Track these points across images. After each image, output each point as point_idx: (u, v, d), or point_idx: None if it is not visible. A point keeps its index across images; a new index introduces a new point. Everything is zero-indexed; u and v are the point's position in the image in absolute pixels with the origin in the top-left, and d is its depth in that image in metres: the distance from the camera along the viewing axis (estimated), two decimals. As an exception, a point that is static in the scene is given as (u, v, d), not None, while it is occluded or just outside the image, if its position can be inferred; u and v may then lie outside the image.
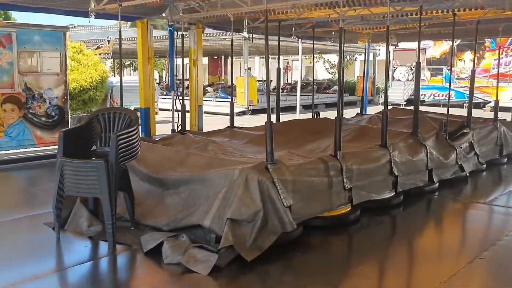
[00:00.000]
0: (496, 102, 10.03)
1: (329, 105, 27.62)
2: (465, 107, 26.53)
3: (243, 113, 22.16)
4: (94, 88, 15.81)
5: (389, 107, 12.51)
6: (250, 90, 22.38)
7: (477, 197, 7.28)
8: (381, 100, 30.06)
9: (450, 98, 32.44)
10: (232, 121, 8.82)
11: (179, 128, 12.75)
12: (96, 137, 5.61)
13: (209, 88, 24.74)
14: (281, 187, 4.99)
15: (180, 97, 13.36)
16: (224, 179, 5.08)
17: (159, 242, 4.81)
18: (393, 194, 6.66)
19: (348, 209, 6.00)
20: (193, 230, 5.08)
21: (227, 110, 22.83)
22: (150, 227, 5.34)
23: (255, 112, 23.53)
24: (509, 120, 10.37)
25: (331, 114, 10.75)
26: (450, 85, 11.22)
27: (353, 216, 5.99)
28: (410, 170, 6.84)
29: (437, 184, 7.45)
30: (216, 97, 24.17)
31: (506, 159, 9.72)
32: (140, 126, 5.34)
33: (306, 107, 26.10)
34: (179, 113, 12.12)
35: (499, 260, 4.95)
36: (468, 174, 8.11)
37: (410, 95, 29.90)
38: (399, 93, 28.98)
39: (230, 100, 9.59)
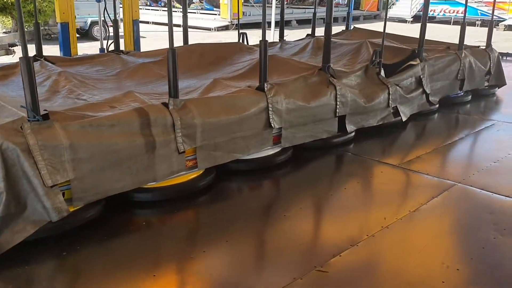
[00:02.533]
0: (463, 25, 7.74)
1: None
2: (478, 25, 23.79)
3: (225, 27, 20.01)
4: (40, -3, 13.91)
5: (352, 27, 10.47)
6: (235, 1, 20.06)
7: (396, 153, 5.49)
8: (388, 15, 27.20)
9: (462, 15, 29.33)
10: (117, 43, 6.87)
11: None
12: None
13: (194, -1, 22.35)
14: (47, 156, 3.34)
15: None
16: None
17: None
18: (276, 150, 4.96)
19: (197, 174, 4.37)
20: None
21: (212, 24, 20.63)
22: None
23: (241, 26, 21.28)
24: (482, 47, 8.22)
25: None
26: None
27: (204, 182, 4.36)
28: (303, 119, 5.05)
29: (353, 134, 5.68)
30: (202, 8, 21.90)
31: (470, 96, 7.76)
32: None
33: (302, 22, 23.53)
34: (111, 28, 10.31)
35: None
36: (404, 119, 6.26)
37: (419, 11, 26.99)
38: (405, 8, 26.06)
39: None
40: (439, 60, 7.05)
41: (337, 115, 5.37)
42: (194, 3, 22.07)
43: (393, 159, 5.17)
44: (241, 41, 7.67)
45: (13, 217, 3.24)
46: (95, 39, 14.74)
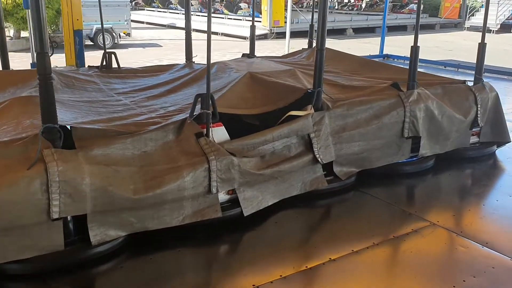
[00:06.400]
0: (413, 49, 4.48)
1: (397, 28, 20.96)
2: None
3: (264, 36, 17.50)
4: (35, 4, 12.51)
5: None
6: (276, 7, 17.53)
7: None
8: (468, 23, 22.87)
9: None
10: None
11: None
12: None
13: (242, 5, 20.05)
14: None
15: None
16: None
17: None
18: None
19: None
20: None
21: (249, 33, 18.33)
22: None
23: (283, 35, 18.62)
24: (461, 82, 4.94)
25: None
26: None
27: None
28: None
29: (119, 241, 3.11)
30: (249, 15, 19.58)
31: (431, 162, 4.64)
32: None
33: (361, 30, 20.04)
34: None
35: None
36: (248, 213, 3.50)
37: (508, 19, 22.41)
38: (491, 16, 21.49)
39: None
40: (358, 107, 4.10)
41: (54, 217, 2.84)
42: (242, 9, 19.84)
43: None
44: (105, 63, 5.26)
45: None
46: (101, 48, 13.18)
